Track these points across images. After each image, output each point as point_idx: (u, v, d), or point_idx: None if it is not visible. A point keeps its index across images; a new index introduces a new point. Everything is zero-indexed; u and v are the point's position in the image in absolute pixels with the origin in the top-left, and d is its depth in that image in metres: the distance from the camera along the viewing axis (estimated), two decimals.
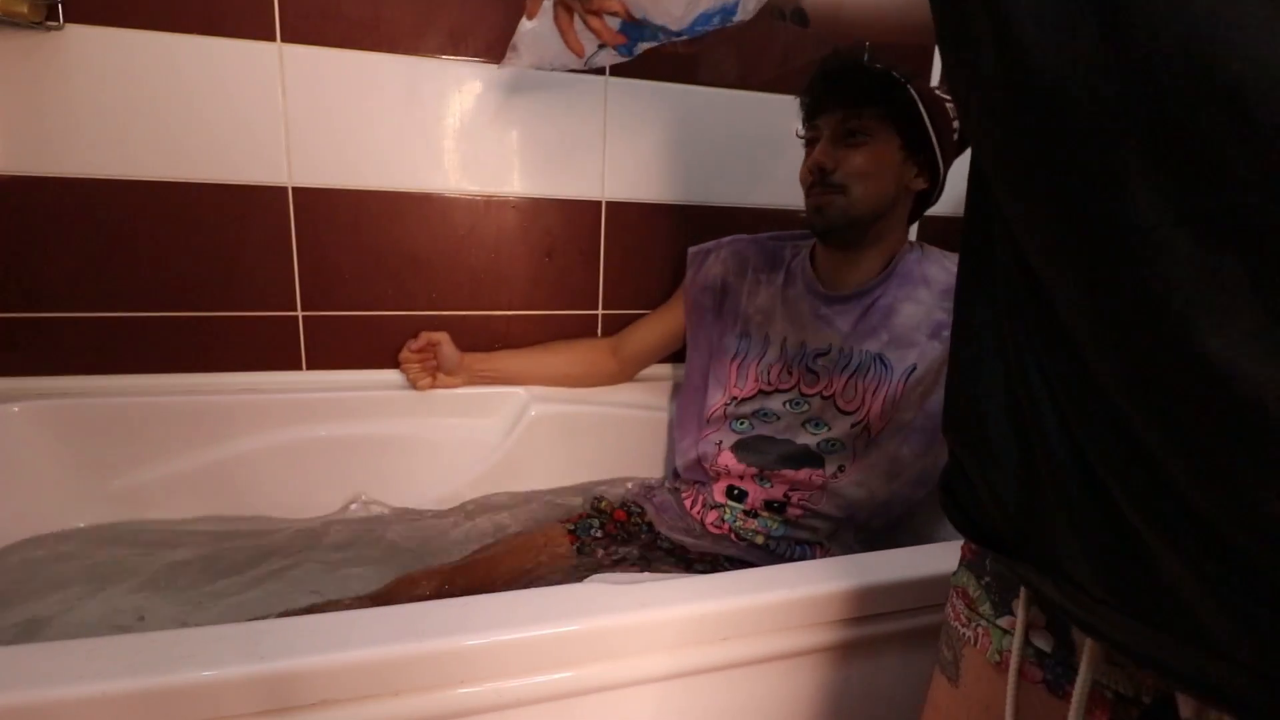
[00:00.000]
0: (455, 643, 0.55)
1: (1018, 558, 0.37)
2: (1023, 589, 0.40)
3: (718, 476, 1.02)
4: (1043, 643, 0.40)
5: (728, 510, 0.99)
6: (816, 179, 0.93)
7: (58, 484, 1.02)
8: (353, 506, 1.14)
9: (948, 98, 0.92)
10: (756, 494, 0.98)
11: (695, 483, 1.07)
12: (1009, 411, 0.35)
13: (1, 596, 0.88)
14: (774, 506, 0.97)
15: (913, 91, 0.90)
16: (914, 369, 0.90)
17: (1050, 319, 0.30)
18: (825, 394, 0.95)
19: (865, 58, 0.97)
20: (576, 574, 0.97)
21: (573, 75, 1.17)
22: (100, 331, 1.07)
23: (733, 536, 0.98)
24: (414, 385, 1.15)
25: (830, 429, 0.94)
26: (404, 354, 1.15)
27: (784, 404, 0.97)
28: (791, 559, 0.94)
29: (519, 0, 1.12)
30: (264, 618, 0.70)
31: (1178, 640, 0.28)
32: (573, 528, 1.03)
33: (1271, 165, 0.21)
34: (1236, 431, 0.23)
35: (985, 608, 0.44)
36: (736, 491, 1.00)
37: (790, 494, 0.96)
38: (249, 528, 1.09)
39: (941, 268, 0.94)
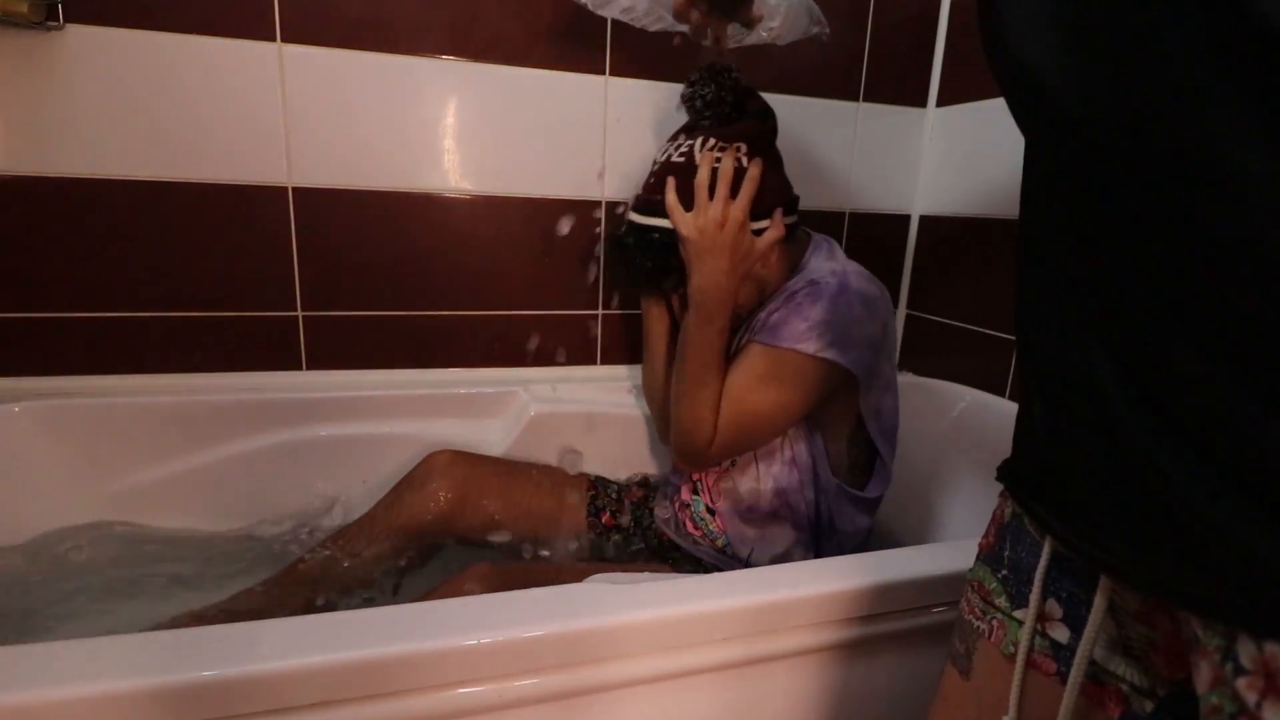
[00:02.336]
0: (455, 643, 0.55)
1: (1042, 502, 0.40)
2: (1038, 580, 0.41)
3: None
4: (1058, 635, 0.41)
5: (692, 508, 1.00)
6: None
7: (58, 484, 1.02)
8: (335, 510, 1.14)
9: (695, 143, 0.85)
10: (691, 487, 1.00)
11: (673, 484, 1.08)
12: (1050, 376, 0.38)
13: (1, 596, 0.88)
14: (696, 488, 0.98)
15: (675, 227, 0.84)
16: None
17: (1107, 295, 0.32)
18: None
19: (622, 229, 0.91)
20: (583, 525, 1.05)
21: (573, 75, 1.17)
22: (100, 331, 1.07)
23: (703, 539, 0.98)
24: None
25: None
26: None
27: None
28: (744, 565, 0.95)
29: (519, 0, 1.12)
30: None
31: (1173, 560, 0.32)
32: (594, 477, 1.12)
33: None
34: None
35: (1001, 600, 0.44)
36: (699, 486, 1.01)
37: (700, 482, 0.98)
38: (249, 528, 1.09)
39: (788, 306, 0.86)
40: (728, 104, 0.86)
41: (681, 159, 0.85)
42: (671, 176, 0.85)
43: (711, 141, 0.84)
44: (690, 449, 0.87)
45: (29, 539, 0.98)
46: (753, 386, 0.84)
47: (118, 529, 1.03)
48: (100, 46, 0.98)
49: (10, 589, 0.90)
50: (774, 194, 0.86)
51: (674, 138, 0.89)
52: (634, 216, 0.89)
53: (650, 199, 0.87)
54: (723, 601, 0.63)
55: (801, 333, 0.81)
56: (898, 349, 0.91)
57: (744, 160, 0.84)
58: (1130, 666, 0.37)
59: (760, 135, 0.86)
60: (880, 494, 0.91)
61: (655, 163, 0.89)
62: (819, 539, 0.91)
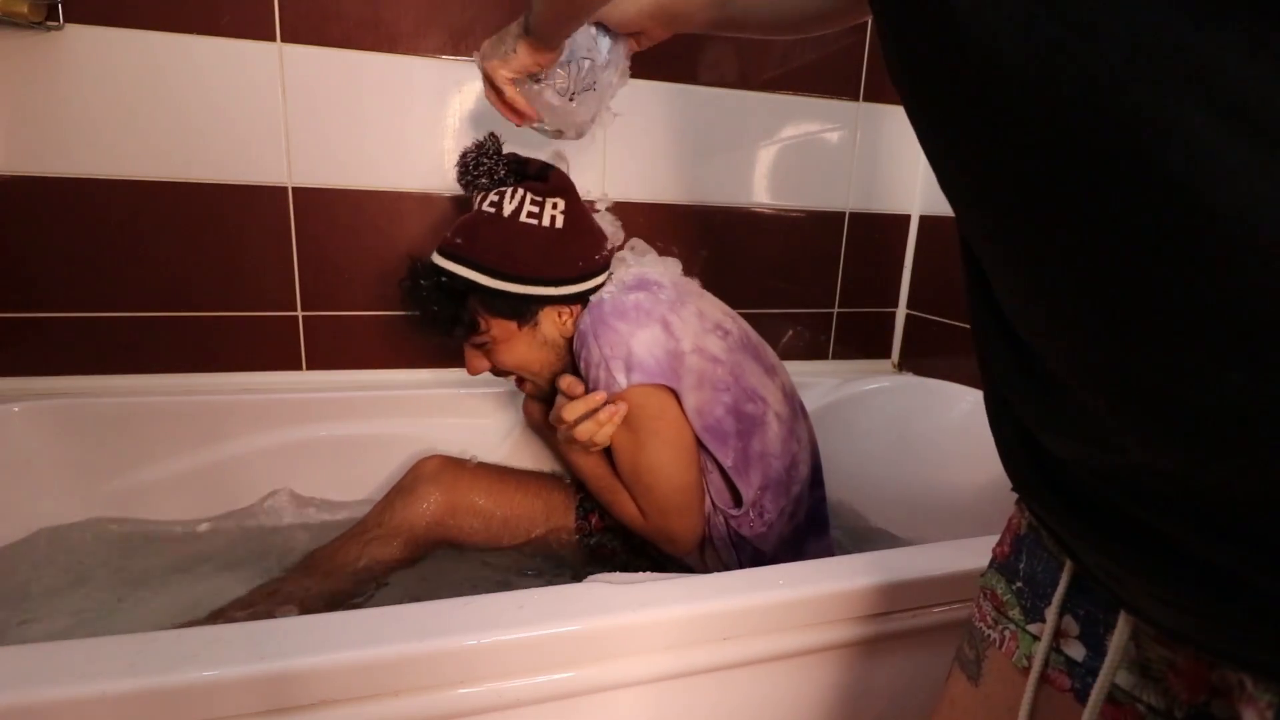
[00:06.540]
0: (455, 643, 0.55)
1: (1071, 537, 0.37)
2: (1055, 602, 0.40)
3: None
4: (1074, 652, 0.40)
5: None
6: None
7: (57, 484, 1.02)
8: (333, 510, 1.13)
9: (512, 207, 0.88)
10: None
11: None
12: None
13: (1, 597, 0.88)
14: None
15: (476, 277, 0.86)
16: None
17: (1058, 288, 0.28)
18: None
19: (419, 270, 0.89)
20: (572, 527, 1.03)
21: None
22: (100, 331, 1.06)
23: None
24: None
25: None
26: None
27: None
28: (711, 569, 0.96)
29: (519, 0, 1.12)
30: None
31: (1220, 623, 0.29)
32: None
33: None
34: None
35: (1015, 612, 0.44)
36: None
37: None
38: (248, 528, 1.09)
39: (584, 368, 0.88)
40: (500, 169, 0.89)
41: (492, 209, 0.88)
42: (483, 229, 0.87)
43: (521, 193, 0.87)
44: (670, 543, 0.88)
45: (28, 538, 0.98)
46: (628, 453, 0.86)
47: (117, 529, 1.03)
48: (100, 46, 0.98)
49: (9, 589, 0.89)
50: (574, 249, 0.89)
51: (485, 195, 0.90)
52: (435, 257, 0.89)
53: (453, 242, 0.88)
54: (723, 601, 0.63)
55: (603, 380, 0.83)
56: (720, 333, 0.89)
57: (558, 218, 0.88)
58: (1148, 688, 0.37)
59: (568, 187, 0.90)
60: (756, 492, 0.89)
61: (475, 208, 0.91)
62: (736, 548, 0.93)
